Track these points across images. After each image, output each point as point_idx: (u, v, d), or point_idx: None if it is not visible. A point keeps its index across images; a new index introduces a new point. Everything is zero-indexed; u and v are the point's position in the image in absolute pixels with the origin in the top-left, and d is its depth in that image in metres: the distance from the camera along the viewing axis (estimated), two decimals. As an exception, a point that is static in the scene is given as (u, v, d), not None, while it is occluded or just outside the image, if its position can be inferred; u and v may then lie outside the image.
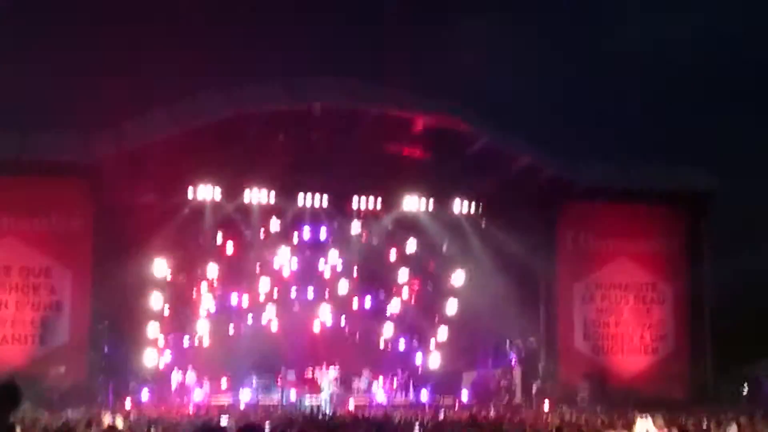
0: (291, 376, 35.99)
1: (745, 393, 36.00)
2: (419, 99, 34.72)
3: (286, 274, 37.99)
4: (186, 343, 37.18)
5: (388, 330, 39.92)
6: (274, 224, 36.25)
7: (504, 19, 43.91)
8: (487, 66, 39.28)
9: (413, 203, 36.16)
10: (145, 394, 33.55)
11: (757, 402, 32.74)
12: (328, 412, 30.49)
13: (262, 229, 36.36)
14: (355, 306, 39.29)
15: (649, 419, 20.75)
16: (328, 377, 35.78)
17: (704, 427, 21.53)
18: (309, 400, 34.19)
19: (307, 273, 38.53)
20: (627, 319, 37.52)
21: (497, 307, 36.28)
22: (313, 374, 36.18)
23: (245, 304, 37.93)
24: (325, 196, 35.51)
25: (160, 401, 33.09)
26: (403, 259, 38.58)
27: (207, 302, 37.35)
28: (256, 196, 34.88)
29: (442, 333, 39.52)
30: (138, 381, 33.94)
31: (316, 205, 35.57)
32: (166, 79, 38.79)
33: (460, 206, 36.60)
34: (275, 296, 38.11)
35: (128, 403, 31.45)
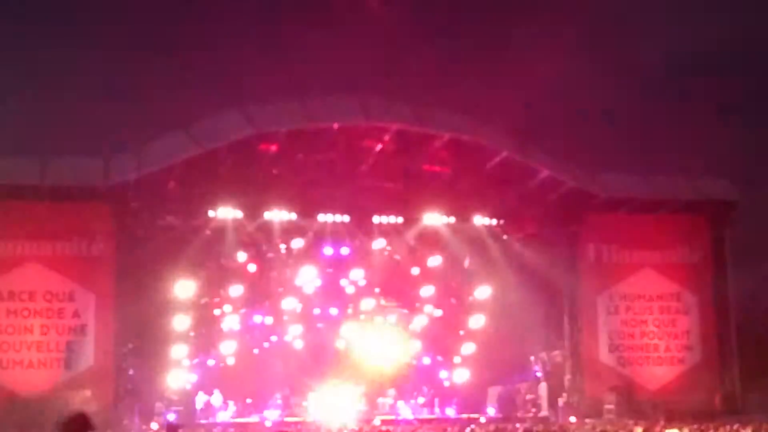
0: (316, 393, 35.98)
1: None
2: (438, 115, 34.71)
3: (309, 292, 38.03)
4: (211, 363, 37.23)
5: (412, 346, 39.87)
6: (296, 243, 36.31)
7: (522, 27, 43.84)
8: (504, 79, 39.23)
9: (435, 219, 36.16)
10: (171, 416, 33.56)
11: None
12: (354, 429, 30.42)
13: (284, 248, 36.41)
14: (379, 323, 39.29)
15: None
16: (353, 394, 35.76)
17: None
18: (334, 418, 34.14)
19: (330, 291, 38.57)
20: (652, 330, 37.31)
21: (521, 322, 36.21)
22: (338, 392, 36.15)
23: (269, 323, 38.00)
24: (347, 214, 35.61)
25: (186, 423, 33.09)
26: (426, 275, 38.54)
27: (231, 322, 37.41)
28: (277, 215, 34.93)
29: (467, 348, 39.43)
30: (164, 403, 33.96)
31: (338, 222, 35.69)
32: (184, 101, 38.91)
33: (482, 221, 36.57)
34: (299, 315, 38.15)
35: (155, 426, 31.48)
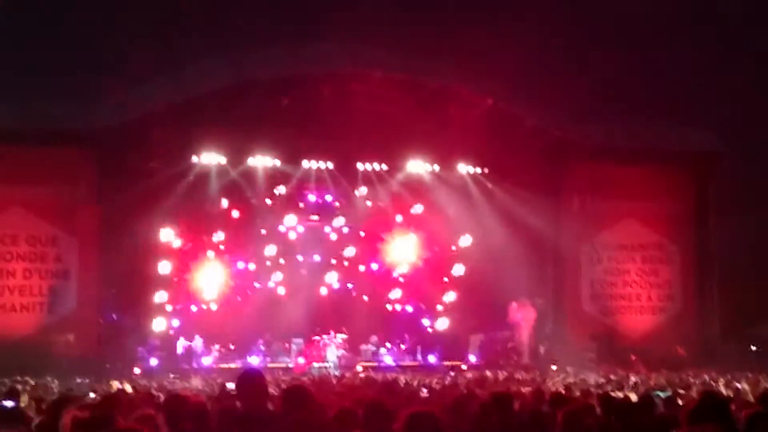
0: (298, 340, 36.04)
1: (753, 352, 35.96)
2: (423, 62, 34.58)
3: (292, 238, 38.03)
4: (194, 309, 37.21)
5: (395, 294, 39.92)
6: (280, 189, 36.30)
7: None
8: (490, 27, 39.00)
9: (419, 166, 36.15)
10: (153, 361, 33.59)
11: (765, 361, 32.72)
12: (336, 375, 30.51)
13: (268, 195, 36.39)
14: (362, 270, 39.32)
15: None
16: (335, 341, 35.85)
17: (713, 386, 21.50)
18: (317, 364, 34.27)
19: (314, 238, 38.56)
20: (634, 280, 37.57)
21: (504, 270, 36.29)
22: (320, 339, 36.22)
23: (252, 269, 37.99)
24: (330, 160, 35.62)
25: (168, 368, 33.13)
26: (410, 223, 38.56)
27: (214, 268, 37.37)
28: (261, 161, 34.91)
29: (450, 296, 39.50)
30: (146, 348, 33.99)
31: (322, 169, 35.72)
32: (168, 45, 38.49)
33: (466, 168, 36.60)
34: (282, 261, 38.14)
35: (137, 370, 31.55)
